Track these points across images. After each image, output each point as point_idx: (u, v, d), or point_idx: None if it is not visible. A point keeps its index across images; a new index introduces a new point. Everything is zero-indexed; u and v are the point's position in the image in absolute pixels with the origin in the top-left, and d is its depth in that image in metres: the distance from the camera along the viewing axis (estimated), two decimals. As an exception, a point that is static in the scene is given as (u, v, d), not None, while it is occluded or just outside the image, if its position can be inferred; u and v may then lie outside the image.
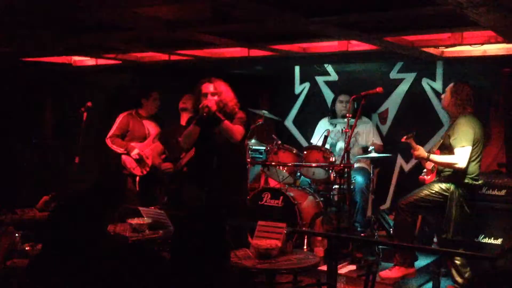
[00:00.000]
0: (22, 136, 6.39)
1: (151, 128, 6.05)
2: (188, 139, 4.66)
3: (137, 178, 5.93)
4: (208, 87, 4.58)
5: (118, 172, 6.02)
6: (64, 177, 5.99)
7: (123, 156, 5.93)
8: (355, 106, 5.54)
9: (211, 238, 2.36)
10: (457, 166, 4.47)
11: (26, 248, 3.48)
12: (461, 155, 4.45)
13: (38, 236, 3.63)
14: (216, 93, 4.56)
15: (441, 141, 4.70)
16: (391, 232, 5.44)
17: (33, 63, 6.23)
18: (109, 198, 4.71)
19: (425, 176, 4.83)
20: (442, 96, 4.86)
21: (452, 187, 4.51)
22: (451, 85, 4.76)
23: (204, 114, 4.42)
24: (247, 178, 5.06)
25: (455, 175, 4.55)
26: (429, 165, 4.79)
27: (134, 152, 5.84)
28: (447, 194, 4.51)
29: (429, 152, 4.65)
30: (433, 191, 4.58)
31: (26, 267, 2.60)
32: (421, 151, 4.63)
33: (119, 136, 5.94)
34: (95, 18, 3.99)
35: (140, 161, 5.87)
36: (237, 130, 4.53)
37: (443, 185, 4.56)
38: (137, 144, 5.92)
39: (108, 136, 5.94)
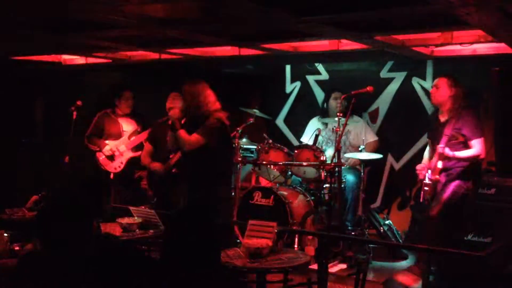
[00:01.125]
0: (11, 135, 6.35)
1: (126, 125, 6.11)
2: (171, 142, 4.96)
3: (111, 175, 5.99)
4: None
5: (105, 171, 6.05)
6: (54, 176, 5.97)
7: (97, 154, 6.03)
8: (346, 104, 5.54)
9: (201, 237, 2.36)
10: (480, 157, 4.54)
11: (15, 248, 3.46)
12: (480, 146, 4.51)
13: (27, 235, 3.61)
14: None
15: (448, 136, 4.55)
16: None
17: (23, 61, 6.19)
18: (97, 195, 4.71)
19: (432, 176, 4.65)
20: (434, 91, 4.75)
21: (470, 184, 4.58)
22: (444, 79, 4.69)
23: (169, 121, 4.77)
24: (221, 183, 4.92)
25: (473, 170, 4.58)
26: (438, 164, 4.60)
27: (106, 148, 5.95)
28: (467, 192, 4.56)
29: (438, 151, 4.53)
30: (458, 191, 4.56)
31: (15, 266, 2.58)
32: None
33: (95, 135, 6.05)
34: (85, 16, 3.97)
35: (111, 157, 5.93)
36: (188, 141, 4.66)
37: (463, 183, 4.59)
38: (112, 142, 5.99)
39: (85, 136, 6.02)
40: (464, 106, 4.58)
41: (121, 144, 6.00)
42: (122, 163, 6.00)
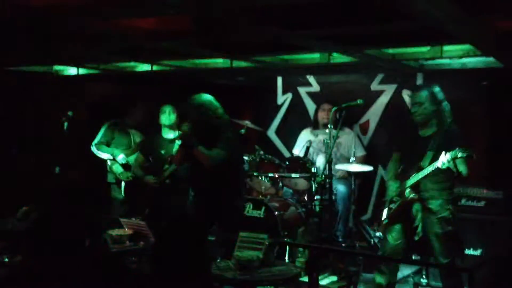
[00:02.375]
0: (1, 145, 6.33)
1: (136, 136, 6.08)
2: (179, 159, 4.89)
3: (123, 184, 5.92)
4: (188, 108, 4.71)
5: (101, 181, 6.01)
6: (44, 187, 5.94)
7: (109, 162, 5.93)
8: (337, 117, 5.57)
9: (191, 249, 2.36)
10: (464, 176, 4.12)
11: (5, 260, 3.44)
12: (466, 163, 4.04)
13: (17, 247, 3.59)
14: (191, 119, 4.70)
15: (431, 156, 4.11)
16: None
17: (15, 72, 6.18)
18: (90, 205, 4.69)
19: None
20: (417, 108, 4.25)
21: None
22: (424, 93, 4.23)
23: (181, 139, 4.69)
24: (237, 196, 4.83)
25: (451, 190, 4.25)
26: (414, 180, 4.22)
27: (121, 157, 5.85)
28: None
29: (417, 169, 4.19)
30: (451, 209, 4.20)
31: (5, 278, 2.57)
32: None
33: (104, 143, 5.97)
34: (78, 28, 3.98)
35: (126, 166, 5.87)
36: (211, 156, 4.47)
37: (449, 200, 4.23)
38: (123, 151, 5.93)
39: (93, 143, 5.95)
40: (445, 119, 4.23)
41: (130, 155, 5.92)
42: (132, 174, 5.83)
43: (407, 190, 4.21)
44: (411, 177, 4.18)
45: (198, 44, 4.43)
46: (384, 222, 4.37)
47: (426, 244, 4.24)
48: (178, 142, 5.08)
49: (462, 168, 3.97)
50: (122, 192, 5.91)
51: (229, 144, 4.54)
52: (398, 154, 4.53)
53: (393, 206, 4.33)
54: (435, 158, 4.00)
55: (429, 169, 4.04)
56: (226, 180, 4.60)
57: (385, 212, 4.40)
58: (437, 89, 4.24)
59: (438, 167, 3.95)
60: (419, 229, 4.21)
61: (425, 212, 4.19)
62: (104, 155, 5.92)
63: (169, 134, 5.54)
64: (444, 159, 3.90)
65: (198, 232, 2.43)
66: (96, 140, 5.98)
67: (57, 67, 6.37)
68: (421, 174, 4.09)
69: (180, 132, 4.75)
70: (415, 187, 4.18)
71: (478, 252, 4.83)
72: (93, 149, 5.95)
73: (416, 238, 4.23)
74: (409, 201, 4.21)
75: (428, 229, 4.17)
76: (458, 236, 4.36)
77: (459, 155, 3.83)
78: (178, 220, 2.57)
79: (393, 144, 4.77)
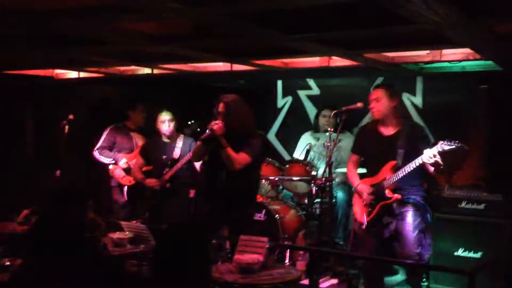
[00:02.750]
0: (2, 148, 6.33)
1: (139, 140, 6.08)
2: (195, 154, 4.70)
3: (125, 188, 5.92)
4: (220, 107, 4.40)
5: (102, 184, 6.01)
6: (45, 191, 5.94)
7: (111, 167, 5.93)
8: (338, 120, 5.58)
9: (192, 253, 2.37)
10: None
11: (6, 263, 3.44)
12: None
13: (18, 250, 3.60)
14: (229, 113, 4.35)
15: (403, 153, 4.17)
16: None
17: (15, 75, 6.20)
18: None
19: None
20: (374, 104, 4.30)
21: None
22: (381, 90, 4.31)
23: (206, 136, 4.32)
24: (252, 199, 4.78)
25: (426, 187, 4.42)
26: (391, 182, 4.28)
27: (122, 162, 5.85)
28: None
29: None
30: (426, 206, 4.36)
31: (6, 282, 2.58)
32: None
33: (106, 148, 5.95)
34: (78, 32, 4.00)
35: (128, 170, 5.87)
36: (237, 159, 4.29)
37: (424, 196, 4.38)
38: (125, 155, 5.93)
39: (95, 148, 5.94)
40: (406, 116, 4.32)
41: (132, 159, 5.89)
42: (134, 178, 5.82)
43: (386, 191, 4.24)
44: (389, 178, 4.22)
45: (198, 48, 4.44)
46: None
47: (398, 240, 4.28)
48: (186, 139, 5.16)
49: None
50: (125, 196, 5.91)
51: (256, 152, 4.41)
52: (359, 156, 4.64)
53: (371, 209, 4.34)
54: (409, 155, 4.07)
55: (411, 166, 4.07)
56: (244, 186, 4.49)
57: (364, 218, 4.40)
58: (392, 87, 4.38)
59: (422, 162, 3.98)
60: (392, 227, 4.28)
61: (402, 208, 4.25)
62: (106, 160, 5.93)
63: (167, 138, 5.56)
64: (430, 153, 3.93)
65: (198, 236, 2.44)
66: (98, 145, 5.96)
67: (58, 71, 6.38)
68: (402, 173, 4.13)
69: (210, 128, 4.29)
70: (393, 187, 4.22)
71: (478, 255, 4.83)
72: (96, 154, 5.94)
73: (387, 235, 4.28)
74: (392, 201, 4.24)
75: (403, 224, 4.23)
76: (429, 234, 4.46)
77: (446, 148, 3.88)
78: (179, 224, 2.58)
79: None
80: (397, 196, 4.22)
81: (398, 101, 4.36)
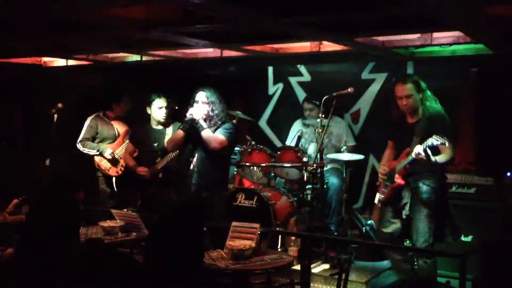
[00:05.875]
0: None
1: (120, 127, 6.01)
2: (172, 142, 4.99)
3: (113, 179, 5.88)
4: (201, 95, 4.82)
5: (90, 174, 5.97)
6: (34, 180, 5.91)
7: (97, 159, 5.88)
8: (322, 108, 5.53)
9: (184, 240, 2.36)
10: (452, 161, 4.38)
11: (-4, 253, 3.41)
12: (454, 149, 4.19)
13: (8, 240, 3.57)
14: (207, 102, 4.80)
15: (417, 142, 4.19)
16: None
17: (2, 64, 6.13)
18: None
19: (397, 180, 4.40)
20: (406, 101, 4.33)
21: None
22: (410, 85, 4.31)
23: (186, 120, 4.75)
24: (223, 184, 5.15)
25: (437, 171, 4.35)
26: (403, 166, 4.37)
27: (107, 152, 5.80)
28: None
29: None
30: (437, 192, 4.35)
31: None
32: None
33: (89, 139, 5.89)
34: (65, 18, 3.94)
35: (114, 161, 5.82)
36: (216, 139, 4.73)
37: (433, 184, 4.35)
38: (109, 145, 5.87)
39: (78, 140, 5.88)
40: (436, 104, 4.35)
41: (118, 147, 5.87)
42: (123, 166, 5.81)
43: (396, 175, 4.39)
44: (400, 163, 4.37)
45: (187, 33, 4.40)
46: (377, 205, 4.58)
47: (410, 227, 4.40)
48: (175, 126, 5.30)
49: (439, 157, 4.13)
50: (114, 187, 5.88)
51: (231, 135, 4.81)
52: (393, 142, 4.67)
53: (385, 190, 4.52)
54: (421, 144, 4.14)
55: (408, 159, 4.23)
56: (214, 169, 4.86)
57: (377, 196, 4.60)
58: (418, 78, 4.41)
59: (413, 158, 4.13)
60: (407, 208, 4.38)
61: (413, 194, 4.35)
62: (91, 152, 5.85)
63: (159, 126, 5.50)
64: (416, 151, 4.08)
65: (191, 222, 2.43)
66: (80, 137, 5.89)
67: (45, 59, 6.32)
68: (403, 162, 4.30)
69: (188, 115, 4.76)
70: (403, 172, 4.33)
71: (469, 238, 4.86)
72: (79, 146, 5.87)
73: (404, 217, 4.41)
74: (397, 185, 4.39)
75: (414, 210, 4.34)
76: (445, 220, 4.48)
77: (435, 143, 3.98)
78: (171, 211, 2.56)
79: (387, 132, 4.84)
80: (400, 181, 4.35)
81: (426, 91, 4.37)
